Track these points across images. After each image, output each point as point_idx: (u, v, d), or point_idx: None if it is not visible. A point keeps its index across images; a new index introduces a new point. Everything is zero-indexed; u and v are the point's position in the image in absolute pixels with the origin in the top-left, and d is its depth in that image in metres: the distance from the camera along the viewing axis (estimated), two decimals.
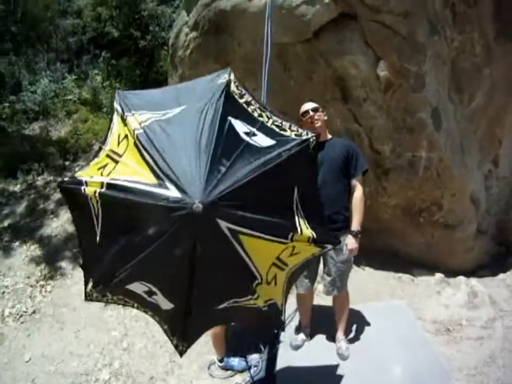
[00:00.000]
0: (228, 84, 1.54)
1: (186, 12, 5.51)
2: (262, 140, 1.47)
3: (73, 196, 1.56)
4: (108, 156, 1.54)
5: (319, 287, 3.44)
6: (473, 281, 4.03)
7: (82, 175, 1.54)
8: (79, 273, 4.25)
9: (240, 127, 1.47)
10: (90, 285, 1.65)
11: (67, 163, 6.15)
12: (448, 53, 4.13)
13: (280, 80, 4.19)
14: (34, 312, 3.79)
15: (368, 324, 3.33)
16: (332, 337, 3.12)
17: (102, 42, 7.64)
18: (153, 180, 1.35)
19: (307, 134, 1.53)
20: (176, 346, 1.82)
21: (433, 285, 3.99)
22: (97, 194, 1.39)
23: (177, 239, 1.33)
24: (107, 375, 3.13)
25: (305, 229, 1.48)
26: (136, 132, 1.43)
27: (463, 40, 4.21)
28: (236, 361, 3.04)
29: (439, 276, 4.09)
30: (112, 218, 1.46)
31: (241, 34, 4.35)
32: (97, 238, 1.51)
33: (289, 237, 1.43)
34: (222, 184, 1.30)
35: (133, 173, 1.39)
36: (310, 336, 3.18)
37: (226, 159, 1.35)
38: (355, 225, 2.66)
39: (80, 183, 1.46)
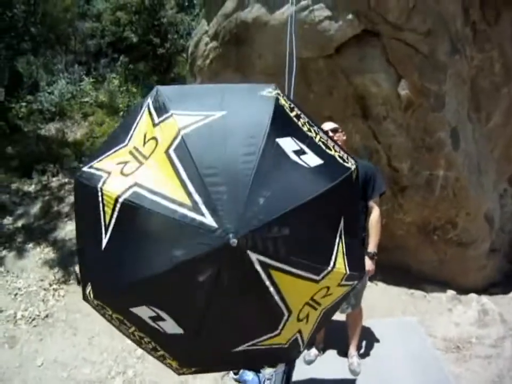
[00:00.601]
0: (277, 98, 1.38)
1: (207, 21, 5.57)
2: (311, 159, 1.33)
3: (85, 193, 1.35)
4: (130, 152, 1.32)
5: None
6: (485, 299, 4.01)
7: (100, 167, 1.32)
8: None
9: (289, 144, 1.32)
10: (89, 289, 1.39)
11: (82, 165, 6.18)
12: (468, 71, 4.16)
13: (300, 93, 4.23)
14: (47, 316, 3.79)
15: (380, 340, 3.34)
16: (344, 353, 3.12)
17: (120, 47, 7.72)
18: (185, 199, 1.19)
19: (350, 161, 1.43)
20: (176, 369, 1.49)
21: (444, 302, 3.99)
22: (119, 200, 1.22)
23: (202, 265, 1.18)
24: (120, 383, 3.14)
25: (339, 264, 1.32)
26: (174, 140, 1.25)
27: (483, 58, 4.24)
28: (250, 376, 3.03)
29: (450, 293, 4.10)
30: (130, 228, 1.27)
31: (262, 46, 4.39)
32: (103, 244, 1.29)
33: (322, 274, 1.28)
34: (263, 214, 1.16)
35: (161, 183, 1.23)
36: (323, 350, 3.18)
37: (271, 181, 1.21)
38: (372, 247, 2.68)
39: (98, 180, 1.27)
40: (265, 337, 1.33)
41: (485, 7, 4.20)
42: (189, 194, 1.18)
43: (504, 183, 4.63)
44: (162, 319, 1.30)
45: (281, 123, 1.34)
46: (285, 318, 1.29)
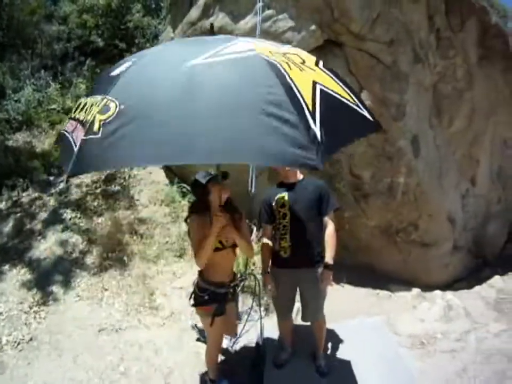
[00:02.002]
0: None
1: (172, 28, 5.53)
2: None
3: None
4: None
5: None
6: (449, 294, 4.26)
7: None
8: (71, 298, 4.35)
9: None
10: None
11: (51, 178, 6.11)
12: (430, 79, 4.30)
13: None
14: (31, 339, 3.85)
15: (346, 342, 3.53)
16: (312, 355, 3.32)
17: (87, 50, 7.53)
18: None
19: None
20: None
21: (410, 300, 4.22)
22: None
23: None
24: None
25: None
26: None
27: (446, 65, 4.43)
28: None
29: (415, 291, 4.33)
30: None
31: None
32: None
33: None
34: None
35: None
36: (292, 354, 3.38)
37: None
38: (328, 259, 2.84)
39: None
40: None
41: (450, 14, 4.35)
42: None
43: (466, 183, 4.87)
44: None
45: None
46: None
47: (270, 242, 2.96)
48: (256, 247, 3.75)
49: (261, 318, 3.25)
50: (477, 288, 4.62)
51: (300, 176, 2.95)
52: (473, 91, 4.61)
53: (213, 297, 2.77)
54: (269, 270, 2.96)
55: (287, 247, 2.85)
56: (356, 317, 3.89)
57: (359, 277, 4.51)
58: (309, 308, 3.01)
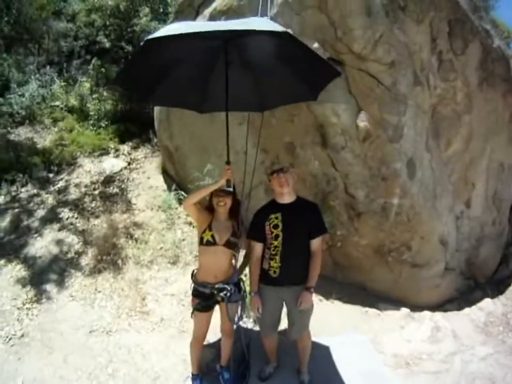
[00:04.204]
0: None
1: None
2: None
3: None
4: None
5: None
6: (438, 315, 4.30)
7: None
8: (64, 297, 4.40)
9: None
10: None
11: (51, 175, 6.16)
12: (429, 102, 4.33)
13: (263, 119, 4.39)
14: (23, 335, 3.90)
15: (330, 357, 3.55)
16: (296, 370, 3.36)
17: (93, 49, 7.58)
18: None
19: None
20: None
21: (398, 319, 4.25)
22: None
23: None
24: None
25: None
26: None
27: (446, 87, 4.44)
28: None
29: (404, 310, 4.36)
30: None
31: None
32: None
33: None
34: None
35: None
36: (276, 368, 3.42)
37: None
38: (311, 282, 2.88)
39: None
40: None
41: (453, 37, 4.35)
42: None
43: (460, 205, 4.90)
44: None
45: None
46: None
47: (259, 262, 2.99)
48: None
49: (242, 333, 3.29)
50: (467, 310, 4.64)
51: (294, 197, 2.97)
52: (472, 114, 4.65)
53: (198, 294, 2.96)
54: (257, 290, 2.99)
55: (277, 267, 2.88)
56: (342, 333, 3.93)
57: (349, 294, 4.55)
58: (295, 325, 3.04)
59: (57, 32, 8.03)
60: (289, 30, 2.09)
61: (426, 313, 4.35)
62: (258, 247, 2.98)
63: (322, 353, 3.58)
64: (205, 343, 3.29)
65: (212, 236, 2.82)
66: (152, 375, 3.53)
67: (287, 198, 2.91)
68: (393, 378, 3.46)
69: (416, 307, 4.46)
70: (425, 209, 4.28)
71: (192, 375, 3.30)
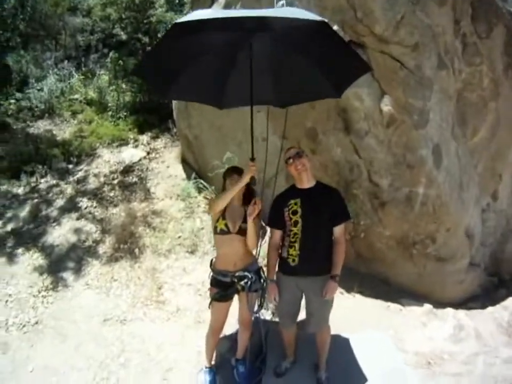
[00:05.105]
0: None
1: None
2: None
3: None
4: None
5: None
6: (461, 313, 4.10)
7: None
8: (80, 286, 4.39)
9: None
10: None
11: (70, 166, 6.20)
12: (455, 86, 4.14)
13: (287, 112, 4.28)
14: (36, 323, 3.90)
15: (350, 355, 3.40)
16: (313, 366, 3.22)
17: (110, 43, 7.63)
18: None
19: None
20: None
21: (420, 316, 4.06)
22: None
23: None
24: None
25: None
26: None
27: (472, 72, 4.23)
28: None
29: (427, 306, 4.17)
30: None
31: None
32: None
33: None
34: None
35: None
36: (293, 363, 3.28)
37: None
38: (335, 269, 2.74)
39: None
40: None
41: (476, 20, 4.17)
42: None
43: (487, 198, 4.69)
44: None
45: None
46: None
47: (277, 249, 2.89)
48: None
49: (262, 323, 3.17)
50: (490, 309, 4.43)
51: (313, 182, 2.83)
52: (498, 101, 4.43)
53: (217, 283, 2.85)
54: (275, 278, 2.88)
55: (296, 255, 2.74)
56: (363, 328, 3.76)
57: (371, 287, 4.39)
58: (314, 317, 2.90)
59: (73, 27, 8.16)
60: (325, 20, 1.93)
61: (449, 311, 4.15)
62: (277, 234, 2.87)
63: (341, 349, 3.43)
64: (221, 334, 3.18)
65: (226, 225, 2.73)
66: (165, 366, 3.45)
67: (306, 183, 2.78)
68: (414, 378, 3.28)
69: (439, 303, 4.27)
70: (452, 199, 4.07)
71: (206, 367, 3.19)
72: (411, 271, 4.35)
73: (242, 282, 2.76)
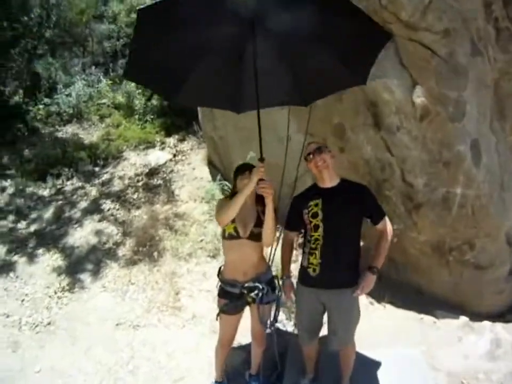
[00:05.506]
0: None
1: None
2: None
3: None
4: None
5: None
6: (499, 327, 3.67)
7: None
8: (96, 288, 4.31)
9: None
10: None
11: (97, 169, 6.24)
12: (491, 75, 3.78)
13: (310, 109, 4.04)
14: (49, 323, 3.86)
15: (377, 373, 3.04)
16: (335, 383, 2.87)
17: None
18: None
19: None
20: None
21: (455, 329, 3.66)
22: None
23: None
24: None
25: None
26: None
27: (508, 60, 3.86)
28: None
29: (463, 319, 3.77)
30: None
31: None
32: None
33: None
34: None
35: None
36: (314, 380, 2.95)
37: None
38: (376, 261, 2.41)
39: None
40: None
41: (508, 3, 3.80)
42: None
43: None
44: None
45: None
46: None
47: (291, 244, 2.66)
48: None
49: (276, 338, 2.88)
50: None
51: (336, 180, 2.50)
52: None
53: (224, 294, 2.56)
54: (291, 276, 2.60)
55: (316, 264, 2.41)
56: (393, 343, 3.42)
57: (403, 297, 4.01)
58: (336, 334, 2.55)
59: (100, 34, 8.34)
60: None
61: (487, 324, 3.71)
62: (290, 235, 2.62)
63: (367, 366, 3.07)
64: (235, 344, 2.96)
65: (235, 228, 2.42)
66: (176, 375, 3.25)
67: (328, 181, 2.45)
68: None
69: (475, 315, 3.83)
70: (492, 201, 3.66)
71: (216, 382, 2.94)
72: (446, 280, 3.94)
73: (252, 294, 2.44)
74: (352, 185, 2.53)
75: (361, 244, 2.53)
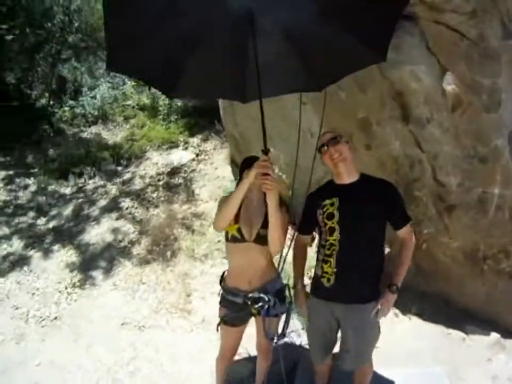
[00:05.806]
0: None
1: None
2: None
3: None
4: None
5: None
6: None
7: None
8: (107, 286, 4.23)
9: None
10: None
11: (119, 168, 6.25)
12: None
13: (329, 92, 3.76)
14: (56, 318, 3.82)
15: None
16: None
17: None
18: None
19: None
20: None
21: (485, 348, 3.27)
22: None
23: None
24: None
25: None
26: None
27: None
28: None
29: (494, 336, 3.36)
30: None
31: None
32: None
33: None
34: None
35: None
36: None
37: None
38: (396, 278, 2.11)
39: None
40: None
41: None
42: None
43: None
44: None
45: None
46: None
47: (304, 246, 2.37)
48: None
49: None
50: None
51: (355, 175, 2.18)
52: None
53: (226, 303, 2.27)
54: (305, 285, 2.32)
55: (331, 274, 2.10)
56: (415, 361, 3.04)
57: (431, 309, 3.62)
58: (350, 353, 2.22)
59: None
60: None
61: None
62: (301, 238, 2.34)
63: None
64: (243, 353, 2.77)
65: (239, 230, 2.13)
66: (176, 380, 3.07)
67: (345, 177, 2.13)
68: None
69: (507, 332, 3.40)
70: None
71: None
72: (479, 291, 3.51)
73: (257, 306, 2.15)
74: (375, 182, 2.19)
75: (387, 250, 2.23)
